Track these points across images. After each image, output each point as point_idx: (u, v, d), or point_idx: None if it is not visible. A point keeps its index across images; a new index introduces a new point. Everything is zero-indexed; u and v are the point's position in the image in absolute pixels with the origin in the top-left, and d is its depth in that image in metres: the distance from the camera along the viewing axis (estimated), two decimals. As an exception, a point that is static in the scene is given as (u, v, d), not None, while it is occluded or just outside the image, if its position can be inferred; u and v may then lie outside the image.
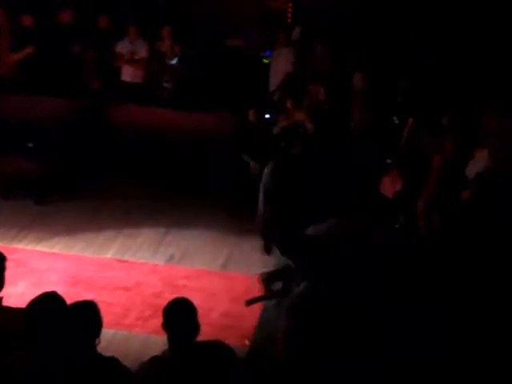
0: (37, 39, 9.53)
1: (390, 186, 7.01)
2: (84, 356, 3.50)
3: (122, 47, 9.89)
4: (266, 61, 9.93)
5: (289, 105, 8.06)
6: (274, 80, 9.58)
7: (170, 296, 6.29)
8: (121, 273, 7.00)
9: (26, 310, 3.53)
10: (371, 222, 5.87)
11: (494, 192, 5.37)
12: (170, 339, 3.60)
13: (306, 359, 4.22)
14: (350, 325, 4.45)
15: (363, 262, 5.06)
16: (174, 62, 9.81)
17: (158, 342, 5.68)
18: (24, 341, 3.47)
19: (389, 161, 7.25)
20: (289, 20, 11.07)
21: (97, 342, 3.58)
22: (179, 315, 3.61)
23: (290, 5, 11.14)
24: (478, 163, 6.32)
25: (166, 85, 9.94)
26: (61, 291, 6.23)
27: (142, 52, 9.91)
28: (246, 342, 5.78)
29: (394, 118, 8.16)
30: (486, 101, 7.42)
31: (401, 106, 8.24)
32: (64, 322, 3.48)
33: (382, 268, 4.88)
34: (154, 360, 3.63)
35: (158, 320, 6.00)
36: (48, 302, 3.56)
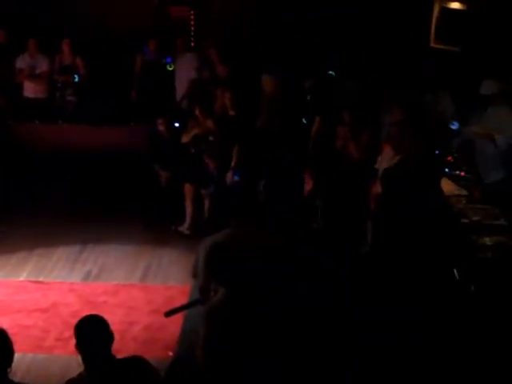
0: None
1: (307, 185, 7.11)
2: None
3: (22, 62, 9.65)
4: (169, 68, 9.89)
5: (197, 112, 8.05)
6: (180, 87, 9.58)
7: (89, 314, 6.25)
8: (36, 294, 6.79)
9: None
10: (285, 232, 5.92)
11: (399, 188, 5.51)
12: (85, 359, 3.49)
13: (225, 364, 4.23)
14: (265, 328, 4.48)
15: (276, 265, 5.13)
16: (76, 79, 9.63)
17: (80, 362, 5.62)
18: None
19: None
20: (192, 27, 11.08)
21: (8, 370, 3.40)
22: (90, 333, 3.49)
23: (192, 12, 11.15)
24: (385, 158, 6.50)
25: (70, 98, 9.77)
26: (-26, 318, 6.10)
27: (43, 66, 9.69)
28: (170, 354, 5.74)
29: (303, 119, 8.28)
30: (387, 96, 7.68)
31: (309, 106, 8.36)
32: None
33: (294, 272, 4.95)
34: (72, 381, 3.51)
35: None
36: None
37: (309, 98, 8.52)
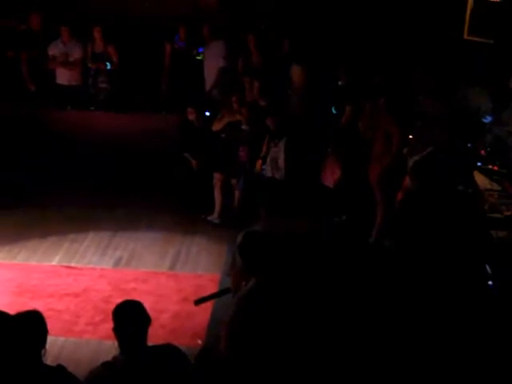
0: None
1: (329, 176, 7.10)
2: (30, 368, 3.44)
3: (55, 49, 9.72)
4: (199, 57, 9.90)
5: (234, 100, 8.07)
6: (209, 76, 9.55)
7: (119, 300, 6.20)
8: (68, 279, 6.91)
9: None
10: (312, 219, 5.93)
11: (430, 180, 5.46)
12: (121, 343, 3.56)
13: (248, 354, 4.25)
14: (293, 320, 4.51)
15: (308, 259, 5.16)
16: (108, 67, 9.69)
17: (110, 347, 5.63)
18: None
19: (328, 150, 7.33)
20: (220, 15, 11.03)
21: (43, 352, 3.50)
22: (129, 318, 3.56)
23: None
24: (414, 150, 6.44)
25: (102, 85, 9.84)
26: (6, 302, 6.25)
27: (76, 53, 9.76)
28: (199, 342, 5.79)
29: (332, 108, 8.25)
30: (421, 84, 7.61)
31: (339, 94, 8.32)
32: (9, 334, 3.41)
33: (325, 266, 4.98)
34: (105, 365, 3.57)
35: (109, 325, 5.98)
36: None
37: (340, 85, 8.49)
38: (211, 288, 6.67)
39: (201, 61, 9.77)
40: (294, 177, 7.04)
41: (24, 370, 3.40)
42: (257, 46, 9.15)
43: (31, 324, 3.49)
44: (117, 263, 7.31)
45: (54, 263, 7.28)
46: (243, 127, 7.84)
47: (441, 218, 5.25)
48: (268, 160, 7.03)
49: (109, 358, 5.29)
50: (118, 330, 3.55)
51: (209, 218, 8.22)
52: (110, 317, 6.11)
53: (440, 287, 5.01)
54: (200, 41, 9.68)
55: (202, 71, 9.65)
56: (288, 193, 6.26)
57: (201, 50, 9.83)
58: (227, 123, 8.10)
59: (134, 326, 3.53)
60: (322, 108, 8.15)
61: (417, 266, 5.08)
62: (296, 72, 8.24)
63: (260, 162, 7.80)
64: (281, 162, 6.95)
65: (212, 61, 9.43)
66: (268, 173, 7.14)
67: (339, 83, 8.37)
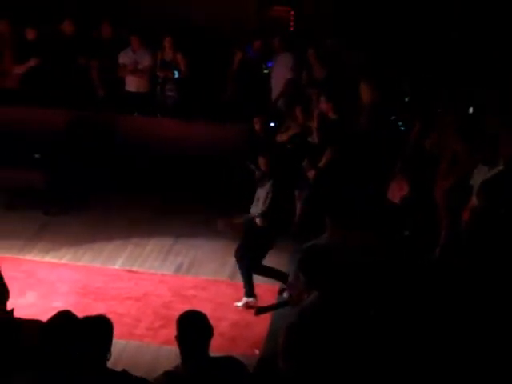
0: (40, 51, 9.59)
1: (396, 192, 7.01)
2: (95, 371, 3.50)
3: (125, 57, 9.92)
4: (266, 71, 9.96)
5: (298, 112, 8.07)
6: (276, 87, 9.60)
7: (179, 306, 6.41)
8: (130, 283, 7.04)
9: (43, 327, 3.52)
10: (377, 233, 5.87)
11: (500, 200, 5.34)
12: (183, 352, 3.58)
13: (307, 368, 4.23)
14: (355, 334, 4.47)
15: (369, 275, 5.12)
16: (176, 75, 9.83)
17: (169, 352, 5.76)
18: (36, 354, 3.47)
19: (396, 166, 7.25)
20: (291, 28, 11.10)
21: (108, 356, 3.55)
22: (192, 328, 3.58)
23: (292, 13, 11.17)
24: (483, 169, 6.31)
25: (170, 93, 9.98)
26: (71, 302, 6.40)
27: (146, 61, 9.93)
28: (256, 352, 5.80)
29: (400, 124, 8.17)
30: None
31: (407, 109, 8.23)
32: (77, 338, 3.47)
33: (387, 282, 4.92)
34: (167, 374, 3.59)
35: (169, 330, 6.15)
36: (64, 320, 3.55)
37: (407, 100, 8.39)
38: (269, 298, 6.70)
39: (267, 74, 9.84)
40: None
41: (89, 373, 3.46)
42: (318, 60, 9.16)
43: (100, 328, 3.56)
44: (177, 269, 7.40)
45: (116, 267, 7.43)
46: (309, 139, 7.81)
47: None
48: (255, 198, 6.99)
49: (168, 363, 5.39)
50: (180, 339, 3.57)
51: (270, 228, 8.22)
52: (170, 322, 6.22)
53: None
54: (270, 54, 9.73)
55: (268, 83, 9.72)
56: (354, 206, 6.20)
57: (270, 64, 9.89)
58: (292, 135, 8.09)
59: (197, 337, 3.55)
60: (390, 124, 8.06)
61: (489, 283, 4.98)
62: (363, 88, 8.16)
63: (314, 172, 7.75)
64: (263, 201, 6.81)
65: (280, 72, 9.47)
66: (252, 209, 7.08)
67: (406, 99, 8.29)
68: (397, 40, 9.56)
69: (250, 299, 6.77)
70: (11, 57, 9.73)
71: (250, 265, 6.75)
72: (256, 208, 6.80)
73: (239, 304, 6.69)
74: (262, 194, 6.77)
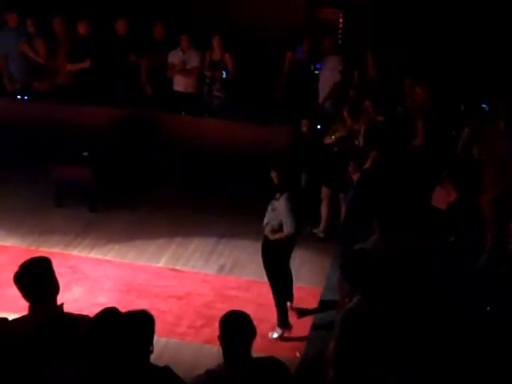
0: (93, 49, 9.74)
1: (443, 198, 6.91)
2: (138, 366, 3.53)
3: (174, 57, 10.00)
4: (316, 72, 9.94)
5: (345, 113, 8.03)
6: (323, 89, 9.56)
7: (221, 306, 6.44)
8: (173, 282, 7.09)
9: (90, 324, 3.57)
10: (422, 238, 5.81)
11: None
12: (226, 352, 3.58)
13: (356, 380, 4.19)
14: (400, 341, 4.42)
15: (412, 280, 5.06)
16: (223, 76, 9.87)
17: (210, 351, 5.79)
18: (83, 348, 3.52)
19: (444, 172, 7.16)
20: (340, 30, 11.04)
21: (151, 349, 3.60)
22: (235, 329, 3.58)
23: (341, 14, 11.11)
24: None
25: (217, 94, 10.02)
26: (115, 299, 6.48)
27: (194, 61, 9.99)
28: (297, 354, 5.78)
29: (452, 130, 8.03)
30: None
31: (460, 116, 8.10)
32: (121, 332, 3.51)
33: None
34: (209, 373, 3.61)
35: (210, 330, 6.18)
36: (110, 316, 3.60)
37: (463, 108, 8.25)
38: (311, 301, 6.67)
39: (317, 75, 9.81)
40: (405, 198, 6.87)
41: (132, 367, 3.49)
42: (374, 61, 9.08)
43: (143, 322, 3.60)
44: (220, 270, 7.42)
45: (160, 265, 7.49)
46: (356, 142, 7.76)
47: None
48: (268, 209, 6.79)
49: (208, 362, 5.36)
50: (223, 340, 3.57)
51: (314, 231, 8.20)
52: (212, 322, 6.27)
53: None
54: (320, 56, 9.69)
55: (316, 85, 9.69)
56: (403, 211, 6.13)
57: (318, 66, 9.86)
58: (339, 137, 8.05)
59: (240, 338, 3.54)
60: (444, 129, 7.93)
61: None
62: (418, 92, 8.05)
63: (358, 175, 7.69)
64: (279, 215, 6.41)
65: (328, 74, 9.44)
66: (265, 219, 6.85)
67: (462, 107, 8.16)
68: (444, 40, 9.45)
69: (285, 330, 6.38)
70: (64, 55, 9.91)
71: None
72: (270, 220, 6.49)
73: (274, 335, 6.35)
74: (276, 206, 6.45)
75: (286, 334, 6.35)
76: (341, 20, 11.11)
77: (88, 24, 9.86)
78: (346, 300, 4.51)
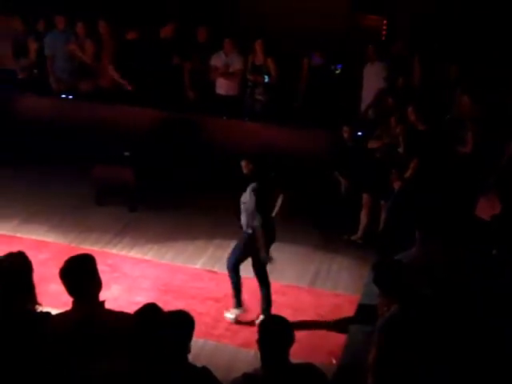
0: (138, 51, 9.84)
1: (487, 209, 6.82)
2: (177, 365, 3.56)
3: (217, 60, 10.04)
4: (337, 71, 9.91)
5: (392, 121, 7.97)
6: (366, 96, 9.50)
7: (259, 311, 6.42)
8: (211, 284, 7.10)
9: (134, 319, 3.61)
10: (464, 249, 5.73)
11: None
12: (263, 357, 3.58)
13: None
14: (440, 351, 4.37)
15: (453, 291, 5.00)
16: (266, 80, 9.89)
17: (246, 355, 5.81)
18: (125, 345, 3.56)
19: (489, 182, 7.06)
20: (383, 37, 10.98)
21: (189, 345, 3.63)
22: (274, 334, 3.57)
23: (385, 22, 11.05)
24: None
25: (259, 97, 10.04)
26: (152, 298, 6.51)
27: (237, 65, 10.02)
28: (333, 361, 5.74)
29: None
30: None
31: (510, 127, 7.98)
32: (162, 331, 3.55)
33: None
34: (247, 377, 3.61)
35: (247, 333, 6.18)
36: (151, 312, 3.64)
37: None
38: (349, 308, 6.63)
39: (339, 75, 9.78)
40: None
41: (171, 365, 3.52)
42: (421, 68, 9.01)
43: (182, 321, 3.63)
44: (258, 273, 7.40)
45: (197, 266, 7.51)
46: (399, 149, 7.69)
47: None
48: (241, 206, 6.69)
49: (244, 365, 5.43)
50: (262, 344, 3.57)
51: (352, 238, 8.16)
52: (248, 325, 6.27)
53: None
54: (363, 62, 9.64)
55: (339, 85, 9.65)
56: (445, 221, 6.06)
57: (339, 66, 9.83)
58: (383, 144, 7.99)
59: (278, 342, 3.54)
60: (492, 140, 7.81)
61: None
62: (465, 102, 7.95)
63: (400, 183, 7.63)
64: (247, 206, 6.34)
65: (372, 81, 9.37)
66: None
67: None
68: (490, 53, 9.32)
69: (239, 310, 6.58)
70: (109, 57, 10.04)
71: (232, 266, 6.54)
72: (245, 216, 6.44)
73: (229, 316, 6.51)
74: (244, 199, 6.42)
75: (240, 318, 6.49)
76: (384, 27, 11.07)
77: (136, 29, 10.00)
78: (385, 308, 4.47)
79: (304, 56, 9.86)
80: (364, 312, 6.12)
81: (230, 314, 6.54)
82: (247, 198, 6.32)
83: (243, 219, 6.42)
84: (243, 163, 6.42)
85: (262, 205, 6.31)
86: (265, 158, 6.69)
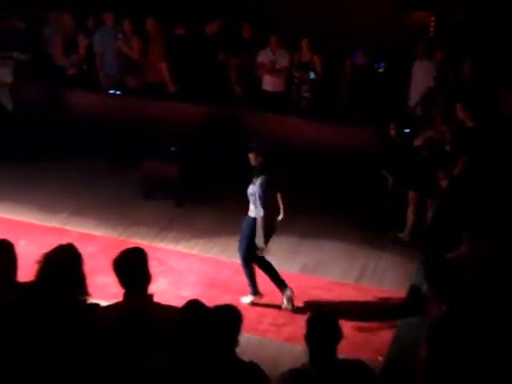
0: (185, 48, 9.92)
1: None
2: (225, 359, 3.59)
3: (264, 57, 10.06)
4: (380, 70, 9.83)
5: (437, 117, 7.88)
6: (415, 93, 9.41)
7: (302, 306, 6.43)
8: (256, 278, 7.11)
9: (180, 315, 3.66)
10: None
11: None
12: (311, 353, 3.58)
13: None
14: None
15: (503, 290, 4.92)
16: (312, 77, 9.87)
17: (291, 350, 5.81)
18: (172, 339, 3.61)
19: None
20: (431, 34, 10.85)
21: (238, 341, 3.66)
22: (322, 330, 3.57)
23: (433, 18, 10.92)
24: None
25: (305, 94, 10.03)
26: (198, 292, 6.58)
27: (283, 62, 10.03)
28: (379, 358, 5.67)
29: None
30: None
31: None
32: (208, 325, 3.58)
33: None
34: (294, 372, 3.62)
35: (291, 328, 6.20)
36: (196, 308, 3.68)
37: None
38: (395, 305, 6.57)
39: (383, 73, 9.70)
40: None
41: (219, 359, 3.55)
42: (471, 70, 8.89)
43: (231, 317, 3.66)
44: (303, 269, 7.42)
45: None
46: (446, 148, 7.60)
47: None
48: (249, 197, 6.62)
49: (289, 360, 5.44)
50: (310, 340, 3.58)
51: (399, 235, 8.10)
52: (294, 320, 6.28)
53: None
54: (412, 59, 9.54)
55: (383, 85, 9.59)
56: (493, 220, 5.98)
57: (383, 64, 9.75)
58: (427, 138, 7.90)
59: (327, 338, 3.55)
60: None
61: None
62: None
63: (446, 182, 7.54)
64: (254, 198, 6.46)
65: (421, 78, 9.27)
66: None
67: None
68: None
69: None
70: (158, 54, 10.15)
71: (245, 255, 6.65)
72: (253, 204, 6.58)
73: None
74: (252, 191, 6.54)
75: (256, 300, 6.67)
76: (432, 24, 10.94)
77: (184, 26, 10.08)
78: (435, 306, 4.42)
79: (347, 54, 9.82)
80: (410, 309, 6.07)
81: (246, 298, 6.69)
82: (255, 191, 6.44)
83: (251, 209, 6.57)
84: (252, 156, 6.56)
85: (269, 198, 6.45)
86: (272, 153, 6.76)
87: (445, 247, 5.76)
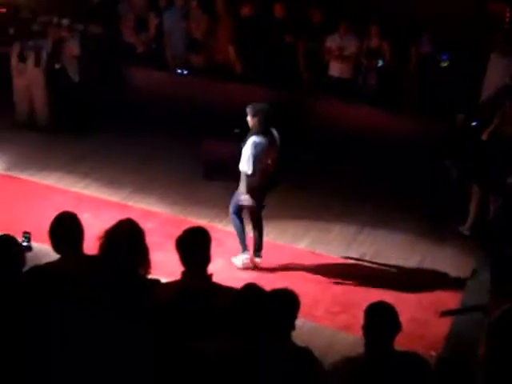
0: (253, 29, 9.92)
1: None
2: (281, 342, 3.60)
3: (332, 42, 9.98)
4: (444, 64, 9.59)
5: (509, 110, 7.69)
6: (488, 86, 9.14)
7: (359, 296, 6.40)
8: (312, 265, 7.12)
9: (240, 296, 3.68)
10: None
11: None
12: (368, 342, 3.58)
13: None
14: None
15: None
16: (379, 64, 9.75)
17: (345, 338, 5.81)
18: (228, 321, 3.63)
19: None
20: (505, 25, 10.52)
21: (294, 324, 3.68)
22: (380, 320, 3.57)
23: (508, 8, 10.58)
24: None
25: (371, 82, 9.92)
26: (255, 275, 6.63)
27: (352, 48, 9.93)
28: (432, 353, 5.64)
29: None
30: None
31: None
32: (265, 308, 3.60)
33: None
34: (349, 360, 3.63)
35: (347, 316, 6.18)
36: (252, 291, 3.70)
37: None
38: (451, 300, 6.50)
39: (447, 66, 9.49)
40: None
41: (275, 342, 3.57)
42: None
43: (288, 301, 3.68)
44: (360, 259, 7.37)
45: (300, 247, 7.54)
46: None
47: None
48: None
49: (342, 348, 5.44)
50: (367, 329, 3.58)
51: (460, 228, 7.95)
52: (349, 309, 6.26)
53: None
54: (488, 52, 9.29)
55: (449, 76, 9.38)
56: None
57: (445, 57, 9.51)
58: (491, 132, 7.72)
59: (385, 329, 3.54)
60: None
61: None
62: None
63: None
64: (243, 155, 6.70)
65: (497, 73, 8.94)
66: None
67: None
68: None
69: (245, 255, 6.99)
70: (226, 35, 10.18)
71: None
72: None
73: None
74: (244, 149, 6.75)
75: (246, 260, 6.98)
76: (508, 14, 10.61)
77: (251, 6, 10.07)
78: (496, 304, 4.35)
79: (412, 43, 9.64)
80: (469, 305, 6.00)
81: (237, 260, 6.96)
82: (244, 148, 6.73)
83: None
84: (249, 118, 6.82)
85: (257, 158, 6.65)
86: (269, 115, 6.91)
87: (507, 243, 5.66)
